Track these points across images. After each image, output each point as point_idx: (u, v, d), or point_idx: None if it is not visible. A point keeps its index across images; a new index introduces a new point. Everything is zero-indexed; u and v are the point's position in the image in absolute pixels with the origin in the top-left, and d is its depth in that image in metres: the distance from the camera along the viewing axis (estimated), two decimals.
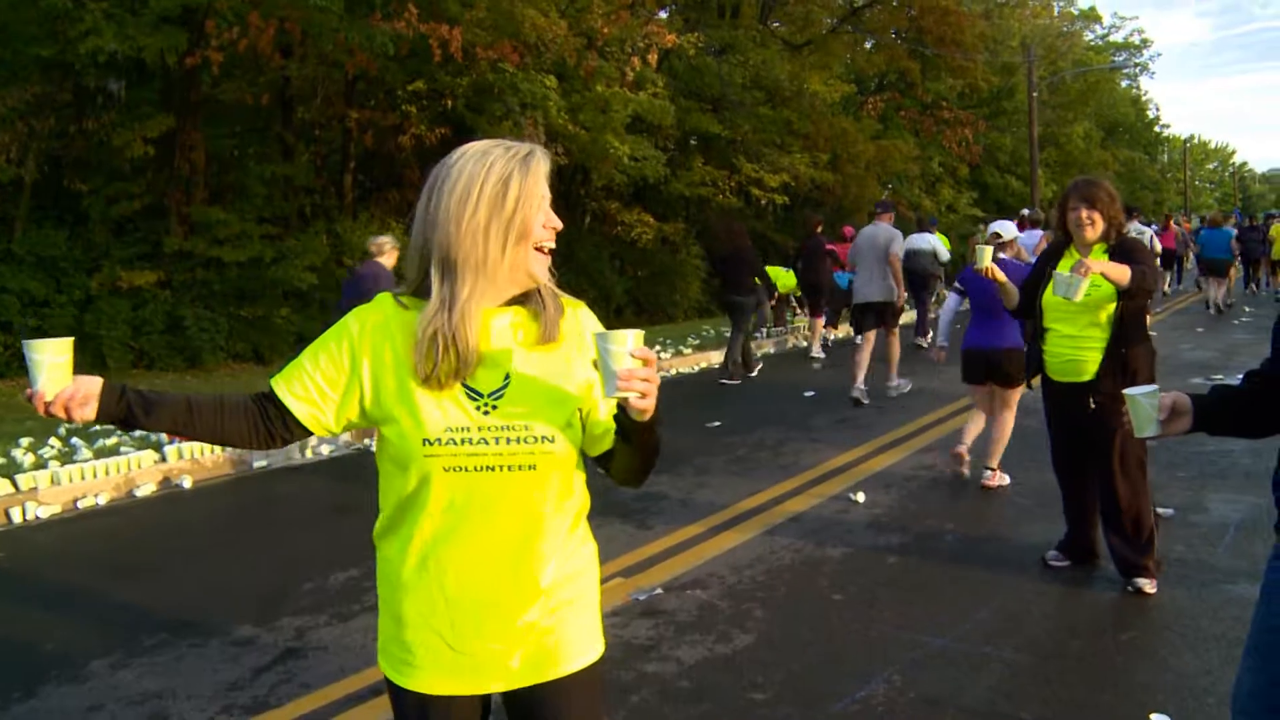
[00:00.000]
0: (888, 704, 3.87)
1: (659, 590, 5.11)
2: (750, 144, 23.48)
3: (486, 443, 1.90)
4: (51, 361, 1.87)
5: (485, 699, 2.07)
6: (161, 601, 5.23)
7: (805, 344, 15.72)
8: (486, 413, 1.91)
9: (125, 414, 1.95)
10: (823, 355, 14.67)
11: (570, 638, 2.01)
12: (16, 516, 6.94)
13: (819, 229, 15.45)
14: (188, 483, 7.84)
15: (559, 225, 1.98)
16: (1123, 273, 4.69)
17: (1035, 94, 31.42)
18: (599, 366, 1.78)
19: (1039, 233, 14.08)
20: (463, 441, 1.89)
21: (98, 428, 9.29)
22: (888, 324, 10.96)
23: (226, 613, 5.02)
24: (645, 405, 1.78)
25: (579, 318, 2.05)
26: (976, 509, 6.51)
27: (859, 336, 10.99)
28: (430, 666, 1.99)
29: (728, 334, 13.07)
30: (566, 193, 20.59)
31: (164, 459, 7.97)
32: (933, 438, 8.58)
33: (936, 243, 16.28)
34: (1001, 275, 5.23)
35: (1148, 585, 4.89)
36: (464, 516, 1.92)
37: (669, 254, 22.52)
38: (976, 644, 4.40)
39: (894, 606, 4.90)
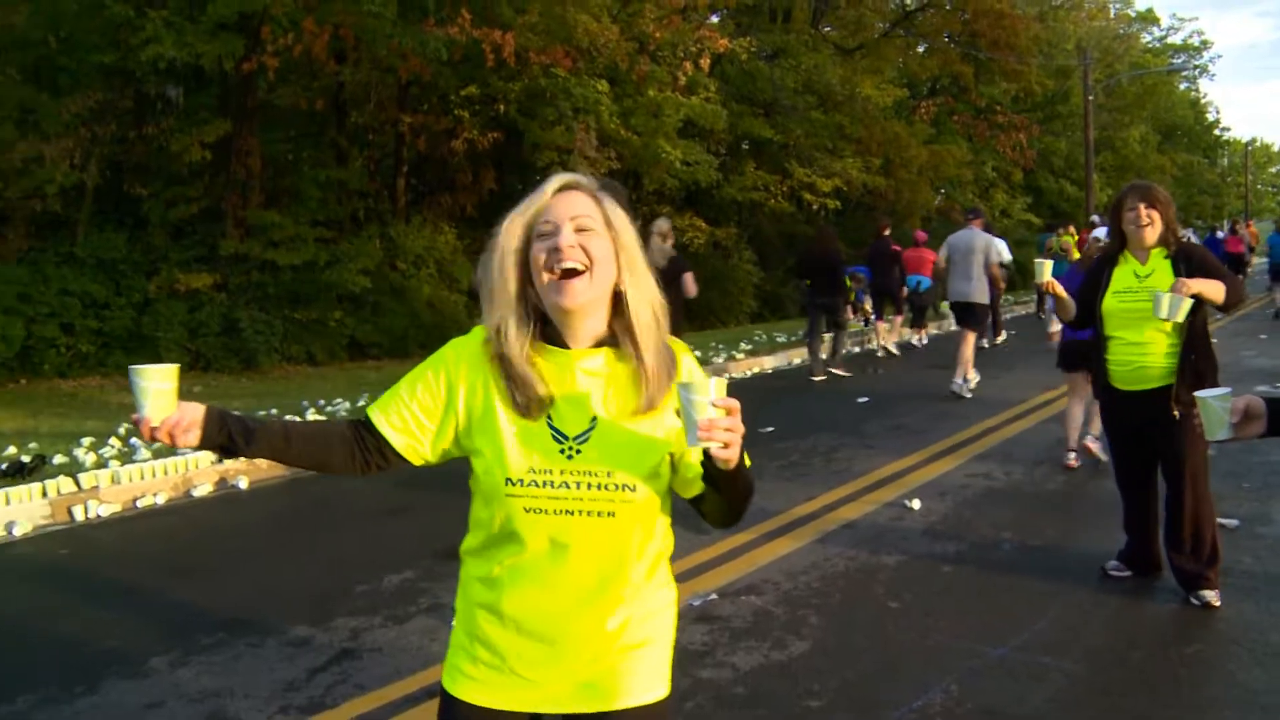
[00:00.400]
0: (945, 714, 3.81)
1: (714, 596, 5.08)
2: (802, 148, 23.40)
3: (568, 486, 1.88)
4: (157, 388, 1.90)
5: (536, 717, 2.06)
6: (218, 601, 5.28)
7: (868, 348, 15.77)
8: (570, 456, 1.89)
9: (227, 442, 1.97)
10: (896, 353, 15.20)
11: (635, 675, 1.99)
12: (79, 515, 7.04)
13: (886, 232, 15.70)
14: (244, 484, 7.92)
15: (563, 243, 1.87)
16: (1218, 290, 4.56)
17: (1091, 97, 31.07)
18: (682, 415, 1.76)
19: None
20: (544, 484, 1.89)
21: None
22: (968, 324, 11.50)
23: (282, 613, 5.05)
24: (728, 455, 1.74)
25: (678, 359, 1.99)
26: (1033, 517, 6.40)
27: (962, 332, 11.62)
28: (487, 683, 2.01)
29: (780, 339, 13.22)
30: None
31: (220, 460, 8.05)
32: (988, 445, 8.48)
33: (1000, 245, 16.22)
34: (1060, 290, 5.08)
35: (1213, 598, 4.76)
36: (541, 556, 1.92)
37: (721, 259, 22.48)
38: (1035, 654, 4.33)
39: (950, 615, 4.83)
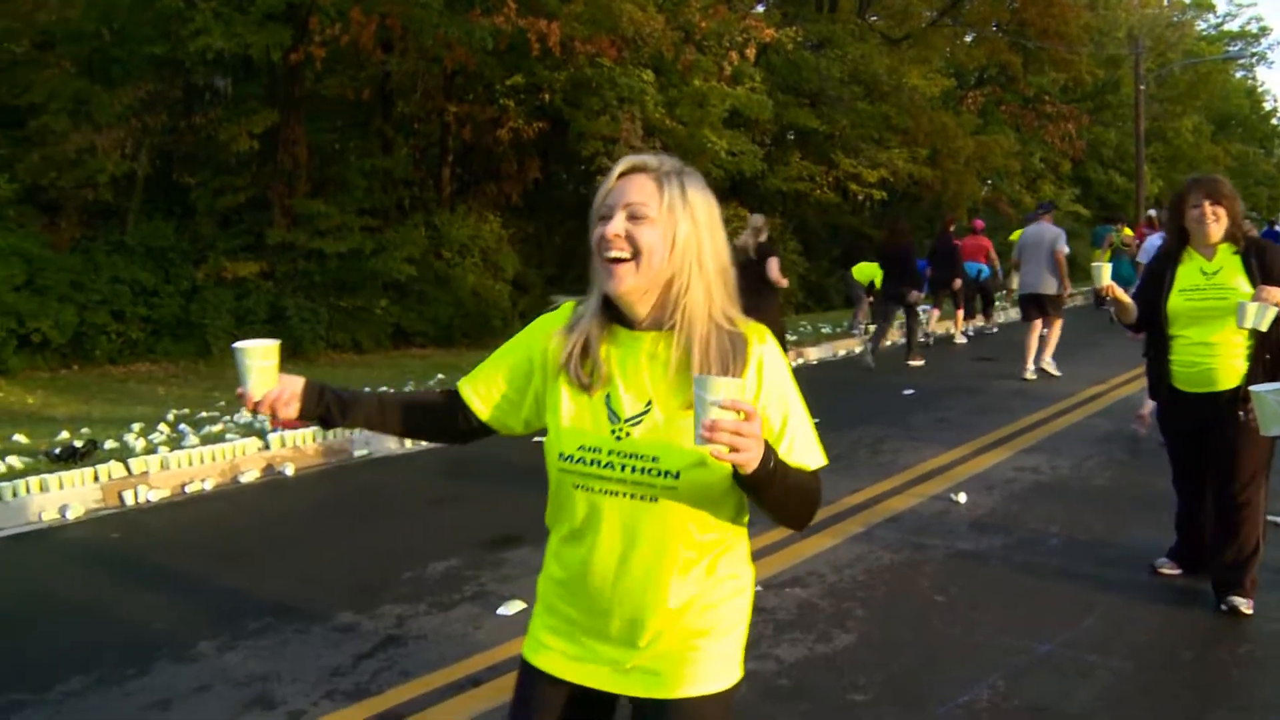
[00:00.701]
0: (991, 710, 3.78)
1: (759, 588, 5.06)
2: (848, 139, 23.22)
3: (613, 467, 1.90)
4: (260, 365, 1.99)
5: (612, 699, 2.08)
6: (265, 586, 5.33)
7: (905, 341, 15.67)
8: (619, 437, 1.91)
9: (324, 413, 2.10)
10: (964, 341, 15.93)
11: (695, 664, 1.98)
12: (129, 499, 7.14)
13: (951, 227, 15.96)
14: (290, 470, 7.99)
15: (610, 232, 1.88)
16: None
17: (1142, 87, 30.61)
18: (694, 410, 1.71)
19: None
20: (592, 462, 1.92)
21: (204, 414, 9.52)
22: (1049, 313, 11.91)
23: (328, 599, 5.09)
24: (736, 460, 1.67)
25: (758, 358, 1.93)
26: (1081, 512, 6.33)
27: (1027, 323, 12.13)
28: (557, 652, 2.06)
29: (825, 330, 13.29)
30: None
31: (267, 446, 8.13)
32: (1035, 439, 8.40)
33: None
34: (1121, 292, 4.88)
35: (1244, 605, 4.62)
36: (591, 532, 1.96)
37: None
38: (1083, 651, 4.28)
39: (997, 610, 4.79)
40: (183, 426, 8.83)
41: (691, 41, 17.81)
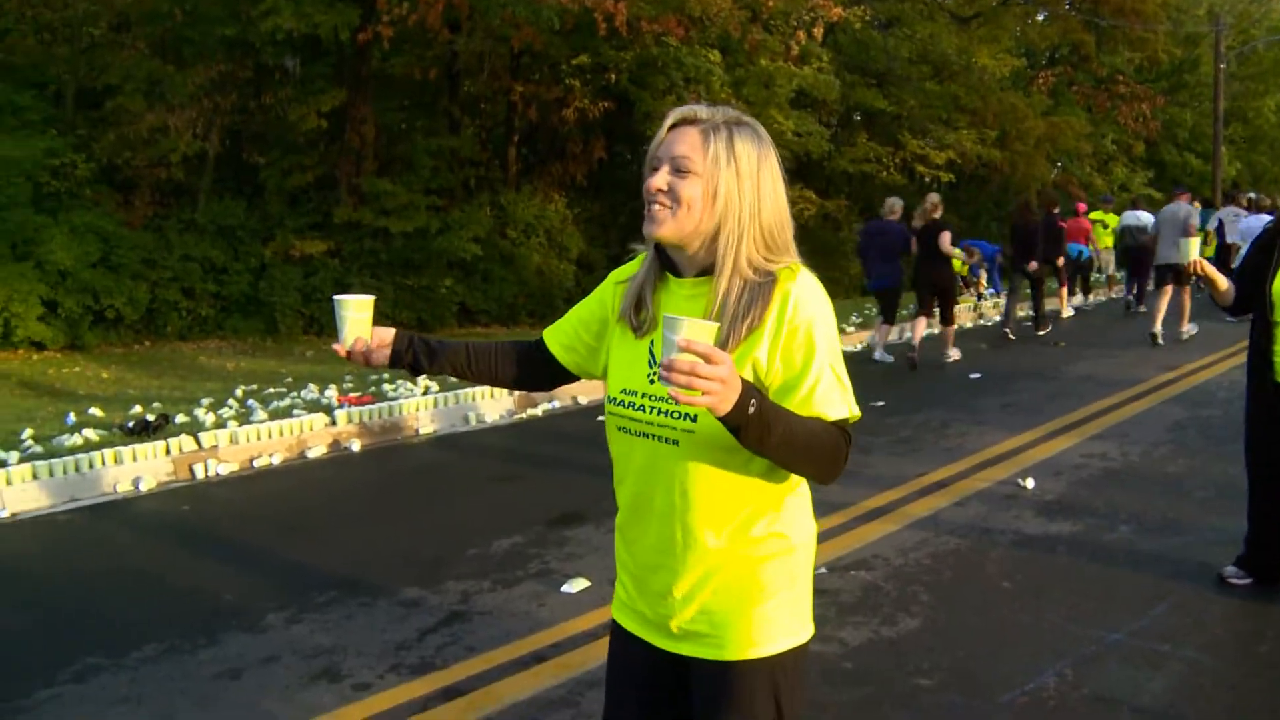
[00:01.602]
0: (1059, 698, 3.72)
1: (822, 570, 5.02)
2: (916, 120, 22.93)
3: (644, 410, 1.93)
4: (354, 317, 2.13)
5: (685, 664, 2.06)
6: (331, 560, 5.39)
7: (978, 324, 15.72)
8: (653, 380, 1.92)
9: (412, 361, 2.21)
10: (1071, 313, 16.46)
11: (736, 624, 1.96)
12: (199, 472, 7.26)
13: (1055, 209, 15.99)
14: (356, 446, 8.08)
15: (654, 184, 1.90)
16: None
17: (1223, 65, 29.78)
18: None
19: (1266, 217, 14.03)
20: (628, 404, 1.97)
21: (271, 390, 9.66)
22: (1183, 282, 12.82)
23: (393, 574, 5.14)
24: (699, 402, 1.62)
25: (781, 295, 1.89)
26: (1152, 500, 6.20)
27: (1158, 290, 13.31)
28: (623, 606, 2.12)
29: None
30: None
31: (334, 422, 8.23)
32: (1104, 425, 8.23)
33: (1150, 219, 16.72)
34: (1212, 270, 4.69)
35: None
36: (632, 478, 2.00)
37: (831, 231, 22.19)
38: (1153, 641, 4.19)
39: (1065, 598, 4.70)
40: (251, 402, 8.97)
41: (758, 21, 17.67)
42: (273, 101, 15.98)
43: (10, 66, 14.67)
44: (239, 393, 9.54)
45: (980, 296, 17.66)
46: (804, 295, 1.89)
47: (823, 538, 5.48)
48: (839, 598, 4.70)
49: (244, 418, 8.31)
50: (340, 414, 8.29)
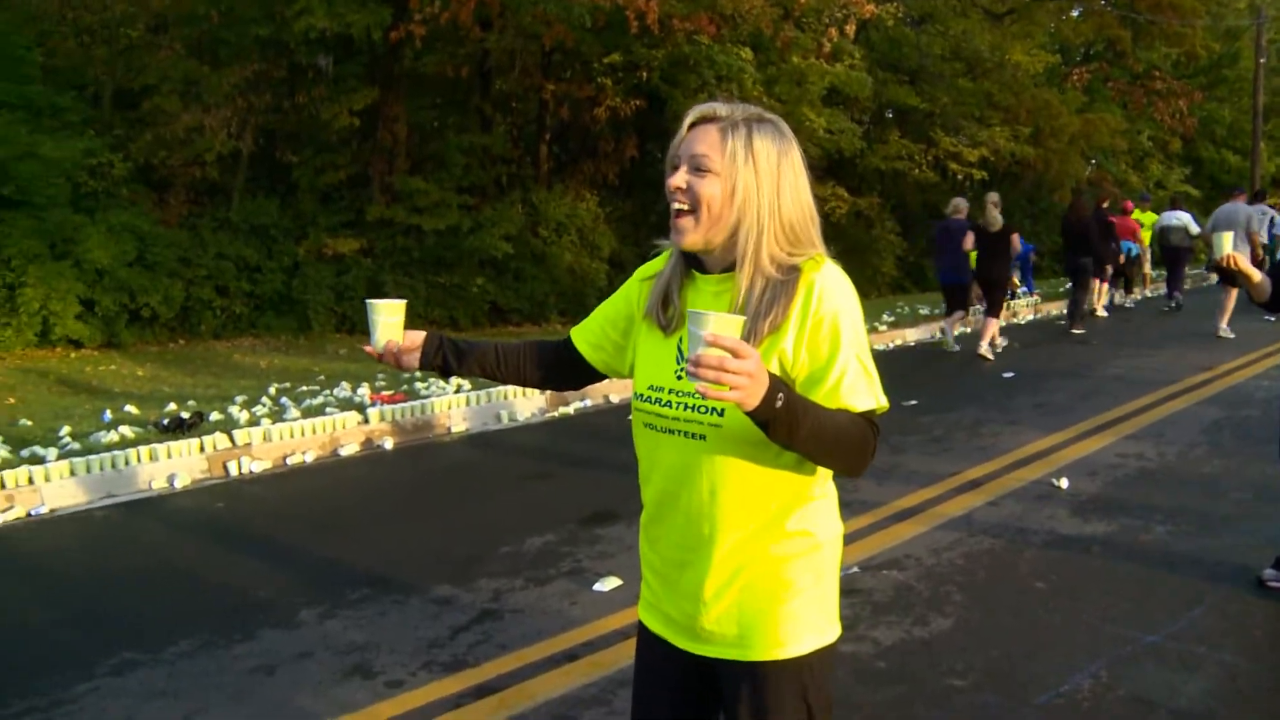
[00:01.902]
0: (1094, 700, 3.69)
1: (855, 569, 5.01)
2: (948, 117, 22.78)
3: (671, 405, 1.93)
4: (385, 320, 2.18)
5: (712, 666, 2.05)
6: (364, 557, 5.42)
7: (1013, 322, 15.67)
8: (680, 376, 1.93)
9: (442, 363, 2.25)
10: (1106, 315, 16.20)
11: (764, 624, 1.95)
12: (233, 470, 7.32)
13: (1105, 204, 16.71)
14: (389, 444, 8.12)
15: (673, 184, 1.91)
16: None
17: (1263, 60, 29.41)
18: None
19: None
20: (655, 400, 1.97)
21: (304, 388, 9.72)
22: (1235, 282, 12.96)
23: (425, 572, 5.16)
24: (727, 397, 1.62)
25: (805, 287, 1.88)
26: (1189, 500, 6.14)
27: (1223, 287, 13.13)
28: (649, 607, 2.12)
29: (923, 311, 13.36)
30: None
31: (366, 420, 8.27)
32: (1140, 425, 8.16)
33: (1188, 219, 17.05)
34: (1246, 264, 4.61)
35: None
36: (656, 472, 2.00)
37: (863, 229, 22.09)
38: (1191, 644, 4.15)
39: (1100, 598, 4.66)
40: (284, 400, 9.02)
41: (790, 18, 17.63)
42: (306, 100, 16.07)
43: (51, 68, 14.84)
44: (272, 390, 9.61)
45: (1013, 295, 17.54)
46: (829, 286, 1.88)
47: (855, 537, 5.49)
48: (872, 597, 4.68)
49: (277, 416, 8.36)
50: (373, 412, 8.34)
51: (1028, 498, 6.23)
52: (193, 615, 4.66)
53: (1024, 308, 16.80)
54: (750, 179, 1.87)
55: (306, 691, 3.91)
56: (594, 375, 2.25)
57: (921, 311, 16.31)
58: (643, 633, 2.14)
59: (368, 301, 2.21)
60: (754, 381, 1.61)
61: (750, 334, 1.83)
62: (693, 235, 1.90)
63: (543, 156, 18.37)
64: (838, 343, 1.84)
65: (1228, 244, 4.55)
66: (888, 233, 22.47)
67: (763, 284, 1.87)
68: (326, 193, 15.70)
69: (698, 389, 1.62)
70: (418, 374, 10.12)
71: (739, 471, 1.89)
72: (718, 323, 1.60)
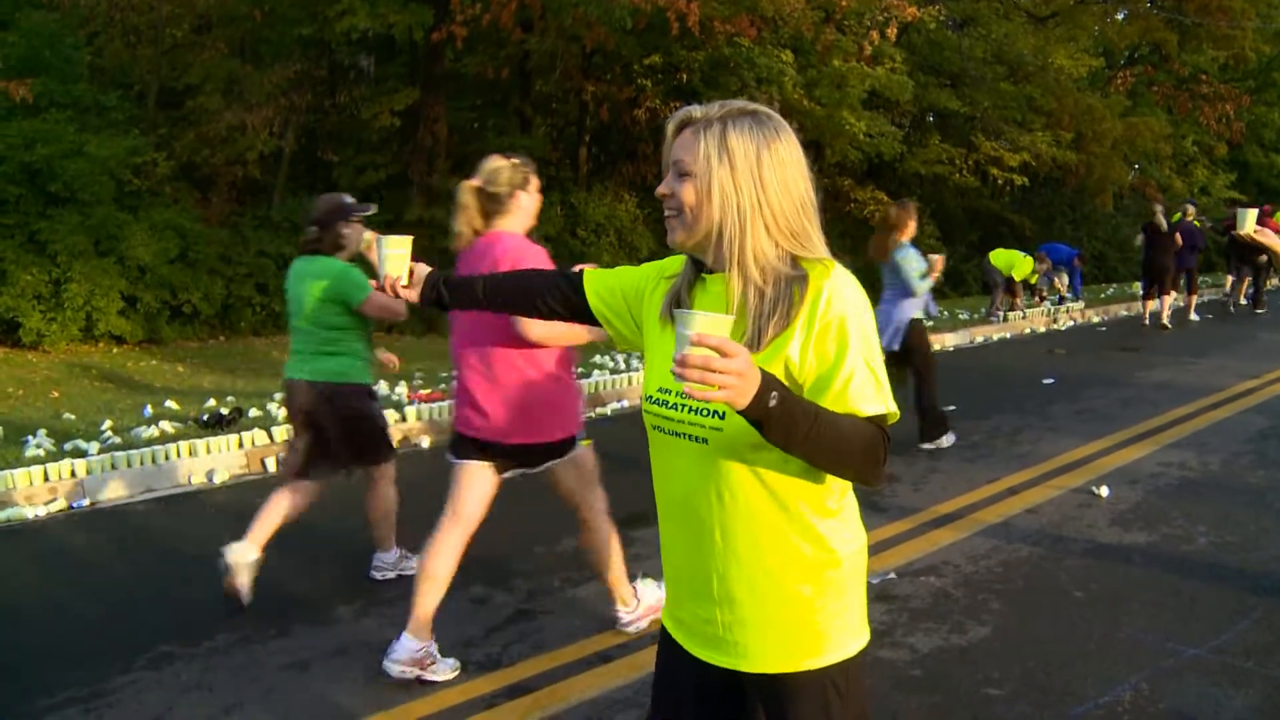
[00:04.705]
0: (1134, 712, 3.64)
1: (891, 575, 4.97)
2: (989, 121, 22.62)
3: (676, 408, 1.91)
4: (391, 254, 2.39)
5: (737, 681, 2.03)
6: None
7: (1052, 328, 15.40)
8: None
9: (436, 297, 2.42)
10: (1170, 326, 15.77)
11: (778, 636, 1.93)
12: (271, 466, 7.37)
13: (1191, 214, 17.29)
14: (425, 443, 8.14)
15: (658, 192, 1.95)
16: None
17: None
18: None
19: None
20: (661, 403, 1.95)
21: None
22: None
23: (460, 571, 5.13)
24: (716, 397, 1.59)
25: (813, 291, 1.84)
26: (1232, 511, 6.05)
27: None
28: (669, 611, 2.12)
29: (962, 316, 13.33)
30: None
31: (404, 419, 8.29)
32: (1182, 433, 8.06)
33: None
34: (1271, 237, 4.55)
35: None
36: (668, 478, 2.00)
37: None
38: (1236, 657, 4.08)
39: (1141, 609, 4.60)
40: None
41: (831, 21, 17.56)
42: (347, 100, 16.20)
43: (98, 68, 15.04)
44: None
45: (1061, 299, 17.39)
46: (837, 290, 1.84)
47: (893, 542, 5.46)
48: (909, 604, 4.64)
49: None
50: (410, 411, 8.36)
51: (1067, 506, 6.17)
52: (229, 611, 4.69)
53: (1064, 313, 16.63)
54: (726, 178, 1.84)
55: (341, 689, 3.92)
56: (585, 315, 2.27)
57: (961, 316, 16.18)
58: (664, 636, 2.13)
59: (378, 237, 2.42)
60: (743, 380, 1.58)
61: (755, 337, 1.82)
62: (679, 235, 1.91)
63: (582, 158, 18.41)
64: (845, 346, 1.80)
65: (1250, 221, 4.49)
66: (927, 237, 22.29)
67: (760, 285, 1.84)
68: (366, 192, 15.77)
69: (685, 390, 1.60)
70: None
71: (745, 477, 1.87)
72: (703, 322, 1.57)
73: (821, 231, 1.92)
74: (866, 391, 1.80)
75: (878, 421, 1.81)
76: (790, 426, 1.67)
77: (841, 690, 1.95)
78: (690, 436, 1.89)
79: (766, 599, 1.91)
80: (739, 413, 1.64)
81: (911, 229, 7.43)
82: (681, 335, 1.58)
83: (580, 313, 2.27)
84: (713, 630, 1.97)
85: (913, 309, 7.39)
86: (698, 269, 1.98)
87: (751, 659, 1.94)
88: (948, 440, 7.63)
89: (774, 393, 1.63)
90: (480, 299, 2.37)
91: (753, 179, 1.84)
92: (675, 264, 2.08)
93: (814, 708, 1.93)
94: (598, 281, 2.24)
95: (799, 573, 1.91)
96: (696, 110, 1.91)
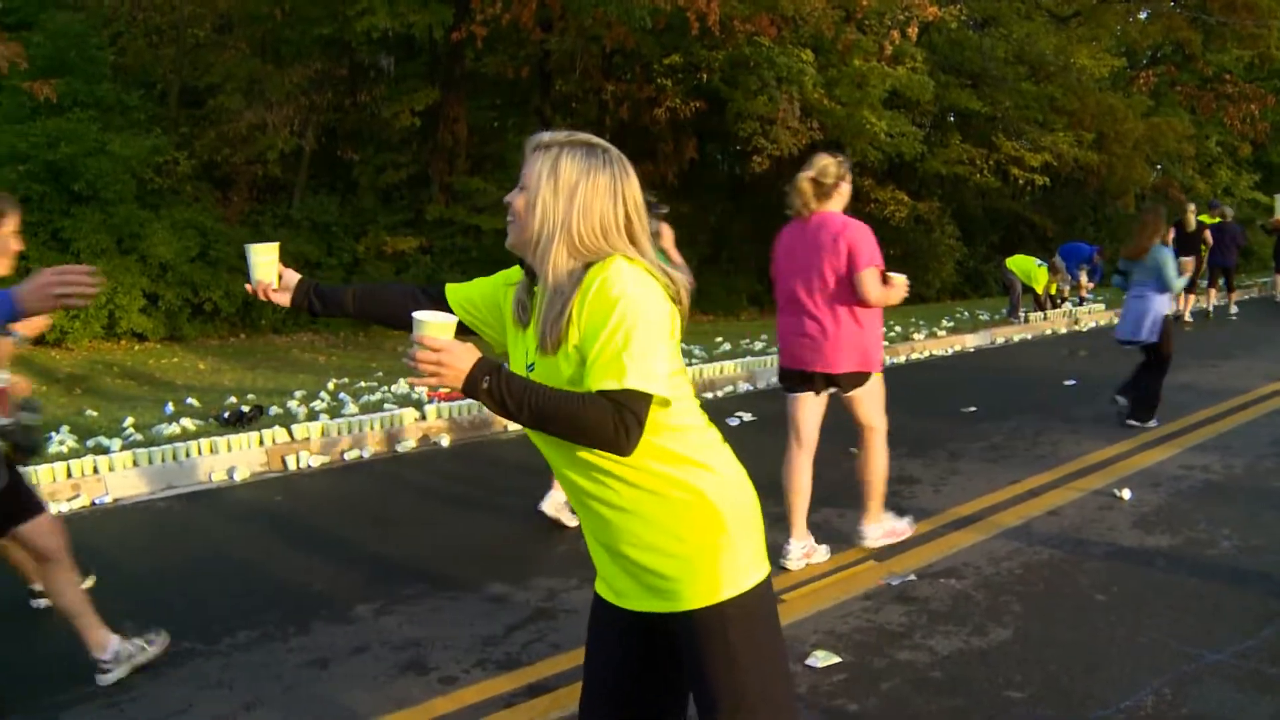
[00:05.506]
0: (1156, 717, 3.59)
1: (912, 576, 4.94)
2: (1011, 121, 22.51)
3: None
4: (260, 261, 2.55)
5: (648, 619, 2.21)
6: (419, 554, 5.44)
7: (1074, 330, 15.34)
8: (530, 368, 2.15)
9: (307, 305, 2.61)
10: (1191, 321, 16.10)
11: (669, 578, 2.12)
12: (291, 464, 7.38)
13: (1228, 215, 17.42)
14: (445, 441, 8.15)
15: (506, 199, 2.16)
16: None
17: None
18: None
19: None
20: None
21: (362, 384, 9.79)
22: None
23: (481, 569, 5.17)
24: (433, 383, 1.96)
25: (587, 282, 2.04)
26: (1257, 515, 5.98)
27: None
28: (596, 569, 2.32)
29: (983, 316, 13.31)
30: None
31: (424, 417, 8.31)
32: (1205, 436, 7.99)
33: None
34: None
35: None
36: (540, 445, 2.23)
37: (923, 233, 21.87)
38: (1261, 663, 4.03)
39: (1163, 613, 4.55)
40: (342, 395, 9.10)
41: (852, 21, 17.50)
42: (367, 100, 16.23)
43: (120, 67, 15.11)
44: (330, 386, 9.69)
45: (1081, 300, 17.30)
46: (609, 278, 2.02)
47: (913, 543, 5.43)
48: (929, 605, 4.62)
49: (335, 411, 8.43)
50: (430, 409, 8.38)
51: (1088, 508, 6.12)
52: (249, 608, 4.71)
53: (1085, 314, 16.54)
54: (549, 196, 2.08)
55: (361, 686, 3.92)
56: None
57: (981, 317, 16.12)
58: (594, 599, 2.36)
59: (246, 245, 2.57)
60: (446, 369, 1.94)
61: (543, 339, 2.07)
62: (510, 238, 2.17)
63: None
64: (600, 327, 1.98)
65: None
66: (947, 237, 22.22)
67: (553, 294, 2.06)
68: (387, 191, 15.84)
69: (408, 380, 1.97)
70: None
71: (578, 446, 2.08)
72: (420, 325, 1.94)
73: (641, 250, 2.12)
74: (610, 368, 1.96)
75: (613, 396, 1.95)
76: (503, 403, 1.95)
77: (739, 625, 2.12)
78: None
79: (641, 543, 2.12)
80: (461, 391, 1.96)
81: (1165, 232, 8.40)
82: (412, 337, 1.95)
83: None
84: (608, 576, 2.23)
85: (1167, 305, 8.24)
86: (531, 278, 2.18)
87: (646, 600, 2.17)
88: (1153, 423, 8.31)
89: (488, 377, 1.95)
90: (349, 309, 2.58)
91: (569, 200, 2.07)
92: (516, 273, 2.30)
93: (714, 642, 2.12)
94: (459, 294, 2.47)
95: (667, 515, 2.10)
96: (547, 136, 2.16)
